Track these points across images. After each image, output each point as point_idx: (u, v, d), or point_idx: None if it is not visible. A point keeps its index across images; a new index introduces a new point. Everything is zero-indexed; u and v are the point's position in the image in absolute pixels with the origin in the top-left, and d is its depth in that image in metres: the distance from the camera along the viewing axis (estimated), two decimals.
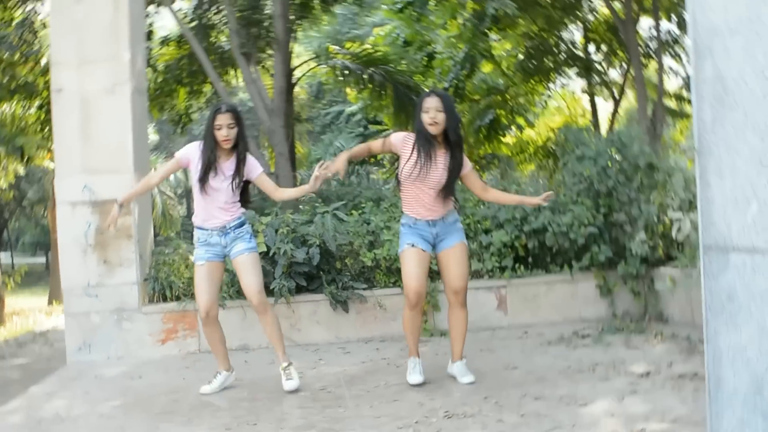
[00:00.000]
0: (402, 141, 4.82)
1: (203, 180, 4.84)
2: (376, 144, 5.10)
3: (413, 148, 4.74)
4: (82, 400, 5.12)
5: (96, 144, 6.69)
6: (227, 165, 4.89)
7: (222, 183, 4.87)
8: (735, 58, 2.49)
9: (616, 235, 6.72)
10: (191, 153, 4.97)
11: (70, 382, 5.75)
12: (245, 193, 5.09)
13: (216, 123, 4.82)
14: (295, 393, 4.83)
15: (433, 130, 4.67)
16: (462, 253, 4.88)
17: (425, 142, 4.70)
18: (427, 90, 14.53)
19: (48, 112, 13.06)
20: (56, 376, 6.08)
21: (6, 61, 11.63)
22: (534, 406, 4.15)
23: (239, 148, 4.91)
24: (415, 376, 4.88)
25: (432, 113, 4.65)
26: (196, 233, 5.00)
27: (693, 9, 2.69)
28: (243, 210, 5.06)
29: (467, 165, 4.86)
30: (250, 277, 4.93)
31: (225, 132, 4.81)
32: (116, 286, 6.60)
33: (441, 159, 4.74)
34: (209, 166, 4.84)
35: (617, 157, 6.70)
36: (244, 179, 4.96)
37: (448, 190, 4.77)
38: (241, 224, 4.99)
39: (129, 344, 6.58)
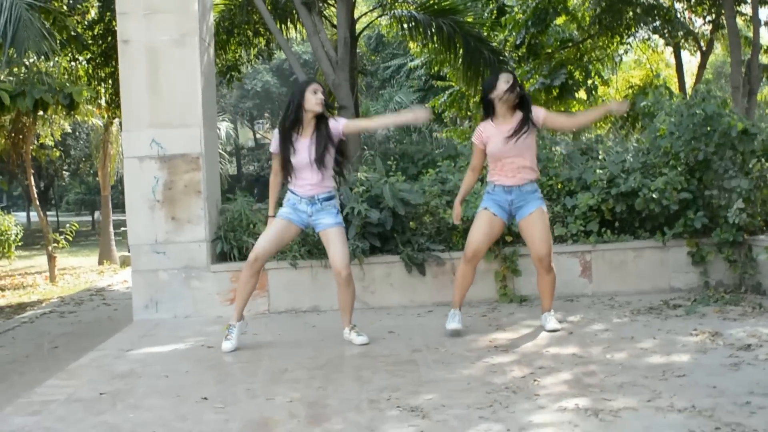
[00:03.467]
0: (483, 134, 5.48)
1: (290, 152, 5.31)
2: (476, 163, 5.61)
3: (492, 128, 5.44)
4: (154, 357, 5.37)
5: (164, 97, 6.88)
6: (312, 136, 5.32)
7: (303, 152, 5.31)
8: None
9: (710, 201, 6.69)
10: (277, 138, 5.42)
11: (139, 339, 6.01)
12: (341, 161, 5.50)
13: (311, 87, 5.29)
14: (373, 359, 4.97)
15: (511, 102, 5.38)
16: (541, 219, 5.42)
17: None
18: (497, 44, 14.55)
19: (96, 67, 13.39)
20: (124, 333, 6.35)
21: (56, 10, 11.87)
22: (628, 375, 4.22)
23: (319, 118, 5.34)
24: (453, 324, 5.50)
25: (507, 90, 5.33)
26: (288, 195, 5.42)
27: None
28: (334, 185, 5.47)
29: (540, 113, 5.43)
30: (340, 249, 5.32)
31: (321, 96, 5.26)
32: (185, 243, 6.83)
33: (516, 123, 5.40)
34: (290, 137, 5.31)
35: (704, 130, 6.62)
36: (335, 141, 5.34)
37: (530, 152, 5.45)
38: (330, 198, 5.38)
39: (197, 303, 6.82)
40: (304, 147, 5.28)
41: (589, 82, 16.34)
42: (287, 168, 5.35)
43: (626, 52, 18.09)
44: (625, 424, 3.44)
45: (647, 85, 17.49)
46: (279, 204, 5.54)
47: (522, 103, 5.42)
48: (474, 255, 5.47)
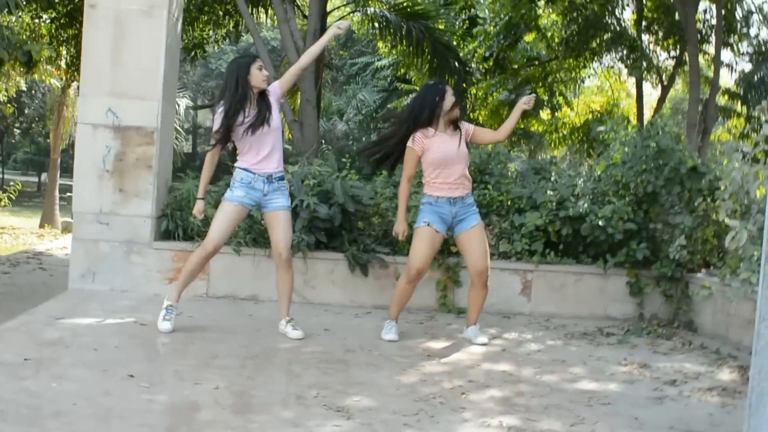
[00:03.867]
0: (424, 141, 5.41)
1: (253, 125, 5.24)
2: (412, 173, 5.56)
3: (434, 137, 5.42)
4: (85, 328, 5.30)
5: (126, 67, 6.79)
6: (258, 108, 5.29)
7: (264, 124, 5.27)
8: None
9: (653, 234, 6.80)
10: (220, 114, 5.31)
11: (72, 308, 5.92)
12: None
13: (256, 65, 5.25)
14: (305, 354, 4.97)
15: (455, 116, 5.50)
16: (482, 233, 5.51)
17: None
18: (464, 55, 14.63)
19: (60, 27, 13.14)
20: (57, 300, 6.27)
21: None
22: (555, 398, 4.28)
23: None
24: (391, 335, 5.51)
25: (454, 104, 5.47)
26: (240, 174, 5.32)
27: None
28: (283, 165, 5.49)
29: (469, 128, 5.57)
30: (285, 233, 5.38)
31: (266, 72, 5.29)
32: (129, 216, 6.75)
33: (455, 136, 5.47)
34: (244, 110, 5.24)
35: (655, 163, 6.73)
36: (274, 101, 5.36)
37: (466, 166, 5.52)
38: (283, 178, 5.42)
39: (135, 278, 6.74)
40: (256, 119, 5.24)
41: (554, 100, 16.55)
42: (237, 146, 5.35)
43: (589, 76, 18.35)
44: None
45: (606, 113, 17.78)
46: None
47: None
48: (418, 275, 5.45)
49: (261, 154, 5.29)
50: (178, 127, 24.79)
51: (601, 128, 7.39)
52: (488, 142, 6.14)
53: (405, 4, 13.33)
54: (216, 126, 5.32)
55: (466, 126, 5.53)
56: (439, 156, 5.36)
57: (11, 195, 15.62)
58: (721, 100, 16.20)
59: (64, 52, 13.77)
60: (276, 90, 5.41)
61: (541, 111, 17.08)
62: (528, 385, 4.52)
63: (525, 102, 5.63)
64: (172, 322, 5.33)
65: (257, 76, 5.22)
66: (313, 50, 5.62)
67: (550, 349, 5.53)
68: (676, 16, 13.48)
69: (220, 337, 5.31)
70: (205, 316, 5.93)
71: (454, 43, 15.10)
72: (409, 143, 5.42)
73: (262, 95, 5.30)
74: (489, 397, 4.22)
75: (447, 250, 6.60)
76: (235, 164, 5.39)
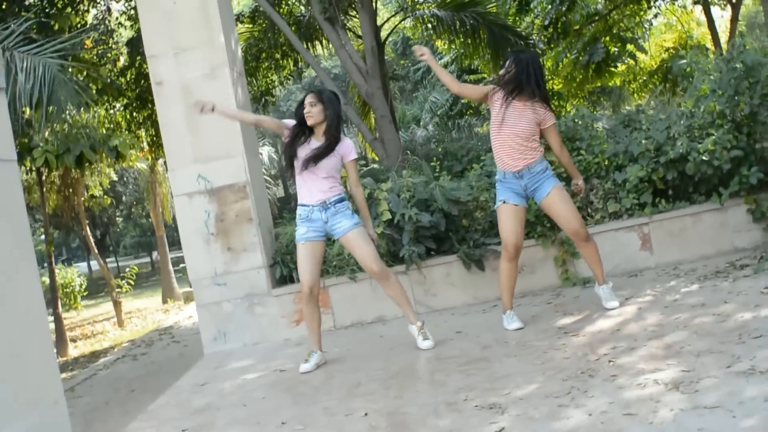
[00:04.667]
0: (494, 92, 5.43)
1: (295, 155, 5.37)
2: (471, 89, 5.68)
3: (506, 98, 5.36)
4: (229, 387, 5.44)
5: (204, 132, 6.99)
6: (317, 142, 5.36)
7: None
8: None
9: (762, 155, 6.54)
10: (290, 125, 5.43)
11: (212, 372, 6.10)
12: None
13: (306, 102, 5.36)
14: (444, 361, 4.97)
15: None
16: (561, 195, 5.42)
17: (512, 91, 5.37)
18: (523, 29, 14.45)
19: (135, 109, 13.63)
20: (197, 368, 6.45)
21: (87, 62, 12.14)
22: (705, 342, 4.15)
23: (328, 128, 5.35)
24: (515, 323, 5.45)
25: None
26: (298, 210, 5.45)
27: None
28: (342, 188, 5.49)
29: (548, 118, 5.43)
30: (364, 249, 5.37)
31: (307, 109, 5.33)
32: (243, 272, 6.91)
33: (524, 109, 5.36)
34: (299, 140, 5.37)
35: (746, 83, 6.47)
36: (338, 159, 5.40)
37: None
38: (341, 200, 5.40)
39: (263, 329, 6.90)
40: (305, 150, 5.34)
41: (628, 47, 16.14)
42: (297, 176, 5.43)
43: (656, 16, 17.81)
44: (708, 393, 3.39)
45: (681, 47, 17.24)
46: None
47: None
48: (515, 250, 5.44)
49: (312, 187, 5.35)
50: (266, 176, 25.33)
51: (682, 62, 7.16)
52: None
53: None
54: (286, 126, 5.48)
55: (544, 115, 5.40)
56: (500, 119, 5.35)
57: (130, 280, 16.24)
58: None
59: (144, 134, 14.25)
60: (346, 154, 5.42)
61: (615, 67, 16.64)
62: (674, 337, 4.40)
63: (575, 186, 5.68)
64: (312, 363, 5.44)
65: (301, 114, 5.36)
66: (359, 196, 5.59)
67: (686, 296, 5.37)
68: None
69: (358, 364, 5.37)
70: (337, 348, 6.01)
71: (510, 21, 14.94)
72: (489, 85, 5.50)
73: (332, 136, 5.34)
74: (638, 358, 4.13)
75: (556, 225, 6.51)
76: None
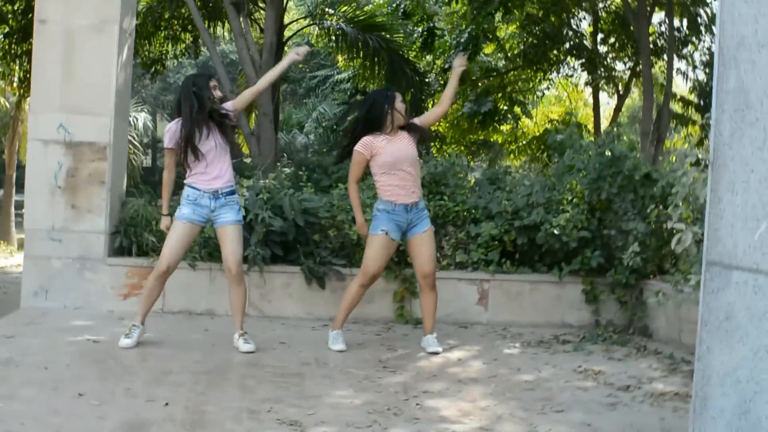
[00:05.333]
0: (371, 144, 5.47)
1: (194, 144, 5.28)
2: (359, 175, 5.66)
3: (383, 140, 5.48)
4: (36, 346, 5.22)
5: (77, 82, 6.74)
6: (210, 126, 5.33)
7: (210, 142, 5.31)
8: (761, 72, 2.58)
9: (608, 241, 6.88)
10: (175, 131, 5.35)
11: (23, 327, 5.86)
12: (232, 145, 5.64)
13: (212, 84, 5.35)
14: (260, 369, 4.94)
15: (405, 121, 5.57)
16: (431, 238, 5.60)
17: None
18: (423, 66, 14.69)
19: (13, 42, 13.01)
20: (8, 319, 6.20)
21: None
22: (509, 406, 4.30)
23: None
24: (339, 345, 5.54)
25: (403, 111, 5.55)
26: (186, 192, 5.35)
27: (722, 17, 2.78)
28: (234, 179, 5.51)
29: (415, 120, 5.72)
30: (235, 247, 5.35)
31: (220, 92, 5.42)
32: (82, 233, 6.68)
33: (405, 137, 5.56)
34: (199, 128, 5.27)
35: (610, 171, 6.81)
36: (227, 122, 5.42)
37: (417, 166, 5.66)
38: (233, 192, 5.40)
39: (89, 295, 6.67)
40: (210, 136, 5.29)
41: (515, 109, 16.65)
42: (188, 161, 5.31)
43: (548, 87, 18.49)
44: None
45: (564, 122, 17.96)
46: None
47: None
48: (372, 279, 5.58)
49: (209, 172, 5.30)
50: (136, 143, 24.63)
51: (558, 136, 7.46)
52: (436, 118, 6.20)
53: (363, 17, 13.38)
54: (168, 143, 5.32)
55: (413, 121, 5.66)
56: (388, 159, 5.43)
57: None
58: (677, 108, 16.43)
59: (17, 68, 13.61)
60: (229, 109, 5.43)
61: (503, 124, 17.16)
62: (483, 394, 4.54)
63: (459, 64, 5.75)
64: (134, 339, 5.32)
65: (214, 94, 5.31)
66: (271, 75, 5.66)
67: (506, 358, 5.56)
68: (632, 28, 13.66)
69: (174, 352, 5.27)
70: (159, 332, 5.87)
71: (413, 55, 15.17)
72: (357, 147, 5.48)
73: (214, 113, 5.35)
74: (443, 407, 4.22)
75: (404, 261, 6.63)
76: (184, 181, 5.40)
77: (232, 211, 5.34)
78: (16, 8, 12.81)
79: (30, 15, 12.12)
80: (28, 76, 12.92)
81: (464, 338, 6.22)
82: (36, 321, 6.08)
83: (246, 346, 5.33)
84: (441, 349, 5.58)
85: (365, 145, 5.46)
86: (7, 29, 13.08)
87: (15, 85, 14.55)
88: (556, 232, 6.70)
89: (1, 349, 5.08)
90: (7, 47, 13.22)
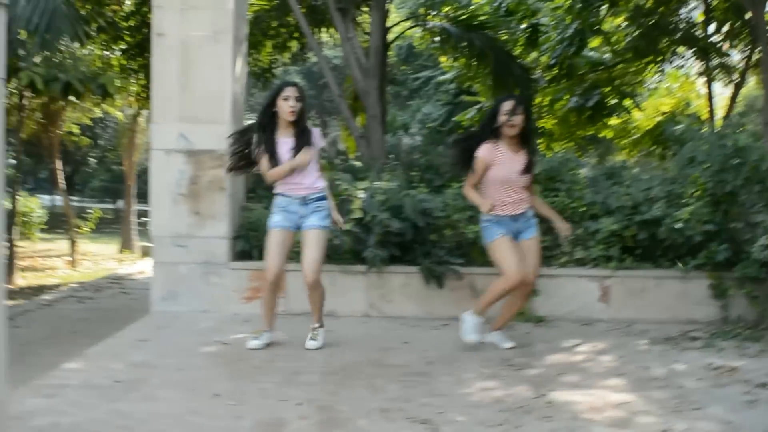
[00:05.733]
0: (491, 152, 5.39)
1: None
2: (474, 177, 5.51)
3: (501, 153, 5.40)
4: (170, 349, 5.39)
5: (194, 92, 6.93)
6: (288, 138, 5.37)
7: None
8: None
9: (734, 234, 6.62)
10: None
11: (155, 330, 6.05)
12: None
13: (284, 94, 5.32)
14: (387, 368, 4.96)
15: (512, 132, 5.38)
16: (537, 246, 5.54)
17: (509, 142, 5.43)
18: (529, 63, 14.51)
19: (131, 57, 13.48)
20: (141, 323, 6.40)
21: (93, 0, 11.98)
22: (642, 403, 4.19)
23: (304, 121, 5.43)
24: (474, 336, 5.46)
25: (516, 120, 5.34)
26: (275, 198, 5.44)
27: None
28: (324, 185, 5.51)
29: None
30: (315, 253, 5.35)
31: (292, 103, 5.30)
32: (206, 238, 6.86)
33: (520, 157, 5.44)
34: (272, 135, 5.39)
35: (734, 162, 6.54)
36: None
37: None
38: (321, 198, 5.43)
39: (215, 298, 6.85)
40: (286, 148, 5.33)
41: (625, 102, 16.26)
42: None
43: (660, 81, 17.92)
44: None
45: (677, 113, 17.41)
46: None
47: (525, 135, 5.47)
48: (522, 278, 5.34)
49: (293, 179, 5.35)
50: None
51: (677, 127, 7.22)
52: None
53: (465, 16, 13.30)
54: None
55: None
56: (500, 175, 5.36)
57: (91, 223, 16.03)
58: None
59: (134, 82, 14.10)
60: (317, 140, 5.42)
61: (609, 117, 16.76)
62: (614, 391, 4.43)
63: (564, 229, 5.74)
64: (261, 341, 5.45)
65: (281, 106, 5.29)
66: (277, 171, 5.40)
67: (633, 355, 5.41)
68: (746, 15, 13.12)
69: (301, 353, 5.35)
70: (284, 334, 5.94)
71: (517, 52, 14.99)
72: (478, 153, 5.40)
73: (299, 126, 5.36)
74: (575, 403, 4.15)
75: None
76: (274, 190, 5.46)
77: (316, 216, 5.36)
78: (131, 25, 13.28)
79: (145, 30, 12.57)
80: (144, 90, 13.40)
81: (588, 335, 6.09)
82: (167, 324, 6.28)
83: (310, 342, 5.50)
84: (510, 345, 5.59)
85: (487, 151, 5.38)
86: (123, 45, 13.57)
87: (132, 99, 15.07)
88: (679, 226, 6.48)
89: (137, 352, 5.27)
90: (124, 62, 13.71)
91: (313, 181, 5.38)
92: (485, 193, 5.44)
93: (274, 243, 5.36)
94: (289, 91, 5.30)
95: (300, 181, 5.34)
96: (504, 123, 5.33)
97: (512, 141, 5.41)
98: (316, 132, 5.46)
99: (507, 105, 5.37)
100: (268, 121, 5.36)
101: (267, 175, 5.37)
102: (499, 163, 5.36)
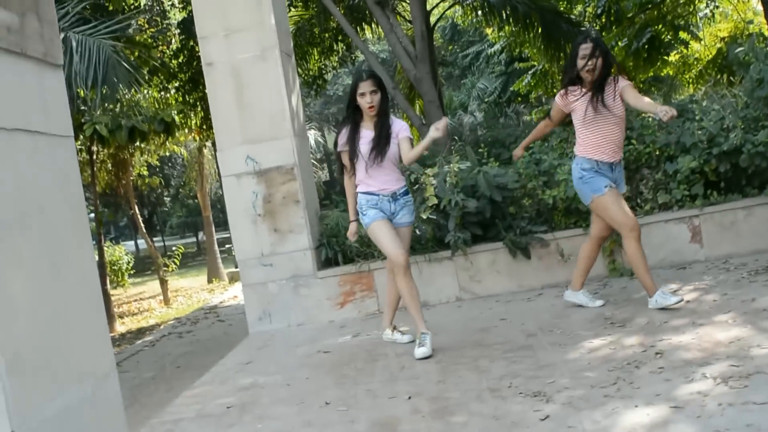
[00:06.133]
0: (568, 96, 5.28)
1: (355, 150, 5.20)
2: (552, 116, 5.54)
3: (582, 93, 5.24)
4: (274, 367, 5.48)
5: (253, 112, 7.03)
6: (370, 132, 5.21)
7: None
8: None
9: None
10: (342, 134, 5.30)
11: (257, 351, 6.16)
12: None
13: (359, 91, 5.13)
14: (488, 347, 4.95)
15: (589, 77, 5.20)
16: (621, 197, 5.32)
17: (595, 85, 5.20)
18: (576, 16, 14.26)
19: (186, 92, 13.77)
20: (242, 347, 6.52)
21: (140, 44, 12.28)
22: (757, 338, 4.08)
23: (385, 114, 5.22)
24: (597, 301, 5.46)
25: (591, 61, 5.15)
26: (364, 198, 5.21)
27: None
28: (404, 178, 5.38)
29: (623, 81, 5.23)
30: (407, 246, 5.29)
31: (369, 99, 5.12)
32: (289, 253, 6.96)
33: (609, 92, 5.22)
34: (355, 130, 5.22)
35: None
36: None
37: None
38: (407, 192, 5.32)
39: (308, 310, 6.94)
40: (365, 141, 5.17)
41: (681, 34, 15.85)
42: (355, 168, 5.24)
43: (712, 7, 17.40)
44: (758, 389, 3.33)
45: (738, 36, 16.89)
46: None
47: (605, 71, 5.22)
48: (638, 229, 5.21)
49: (380, 177, 5.18)
50: (312, 159, 25.45)
51: (739, 49, 7.01)
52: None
53: None
54: (339, 146, 5.30)
55: (620, 82, 5.21)
56: (588, 114, 5.19)
57: (176, 259, 16.44)
58: None
59: (193, 115, 14.40)
60: (401, 130, 5.19)
61: (667, 55, 16.36)
62: (723, 330, 4.34)
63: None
64: (427, 347, 4.98)
65: (360, 103, 5.13)
66: (414, 154, 5.14)
67: (736, 291, 5.28)
68: None
69: (400, 348, 5.38)
70: (377, 331, 6.01)
71: (562, 8, 14.76)
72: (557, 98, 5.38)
73: (381, 118, 5.17)
74: (685, 351, 4.07)
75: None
76: (357, 190, 5.28)
77: (408, 213, 5.28)
78: (181, 61, 13.56)
79: (195, 63, 12.83)
80: (205, 120, 13.68)
81: (686, 279, 5.97)
82: (267, 344, 6.39)
83: (419, 350, 4.98)
84: (676, 300, 5.07)
85: (562, 94, 5.34)
86: (177, 83, 13.88)
87: (195, 131, 15.40)
88: (760, 150, 6.29)
89: (243, 375, 5.38)
90: (181, 99, 14.02)
91: (399, 175, 5.27)
92: (579, 137, 5.31)
93: (385, 231, 5.11)
94: (364, 87, 5.11)
95: (388, 177, 5.18)
96: (582, 68, 5.18)
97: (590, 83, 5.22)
98: (399, 123, 5.24)
99: (583, 49, 5.21)
100: (351, 115, 5.23)
101: (405, 159, 5.15)
102: (579, 106, 5.22)
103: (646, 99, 5.16)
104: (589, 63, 5.14)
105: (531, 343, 4.89)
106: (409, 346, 5.33)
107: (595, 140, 5.22)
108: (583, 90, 5.24)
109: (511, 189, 6.78)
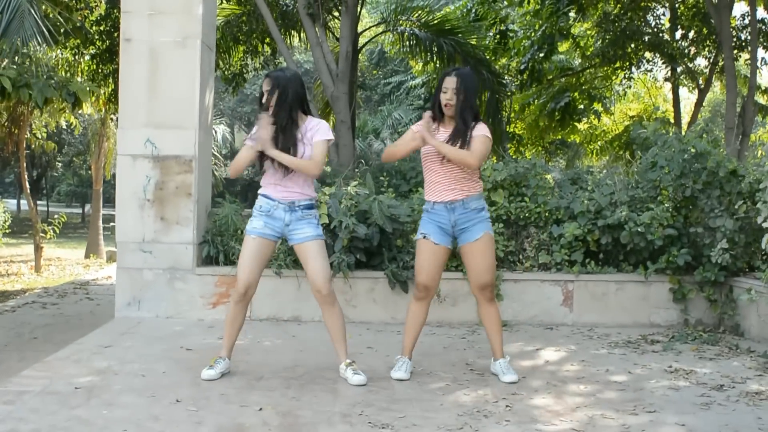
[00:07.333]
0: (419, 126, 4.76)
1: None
2: (405, 137, 4.92)
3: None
4: (133, 355, 5.39)
5: (162, 97, 6.94)
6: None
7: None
8: None
9: (694, 239, 6.76)
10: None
11: (119, 336, 6.04)
12: None
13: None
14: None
15: (448, 111, 4.72)
16: (486, 245, 4.79)
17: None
18: (498, 68, 14.64)
19: (102, 62, 13.45)
20: (105, 329, 6.39)
21: (62, 4, 11.94)
22: (600, 407, 4.28)
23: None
24: (400, 372, 4.88)
25: (449, 94, 4.67)
26: (259, 200, 4.83)
27: None
28: (315, 194, 4.90)
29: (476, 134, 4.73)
30: (320, 263, 4.74)
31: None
32: (171, 244, 6.88)
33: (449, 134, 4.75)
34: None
35: (694, 167, 6.69)
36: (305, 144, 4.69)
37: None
38: (311, 207, 4.81)
39: (180, 304, 6.86)
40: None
41: (595, 105, 16.46)
42: (262, 164, 4.75)
43: (629, 86, 18.12)
44: None
45: (645, 118, 17.67)
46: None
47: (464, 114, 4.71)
48: (427, 292, 4.92)
49: (279, 183, 4.74)
50: (216, 154, 25.14)
51: (642, 131, 7.38)
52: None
53: (436, 22, 13.41)
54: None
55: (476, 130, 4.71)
56: (426, 149, 4.75)
57: (56, 227, 15.93)
58: (762, 100, 15.99)
59: (103, 87, 14.06)
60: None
61: (579, 121, 16.98)
62: (572, 395, 4.52)
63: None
64: (216, 371, 4.76)
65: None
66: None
67: (593, 359, 5.52)
68: (712, 21, 13.37)
69: (264, 359, 5.38)
70: (248, 339, 6.00)
71: (487, 57, 15.14)
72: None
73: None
74: (534, 408, 4.23)
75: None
76: (258, 191, 4.87)
77: (309, 226, 4.74)
78: (102, 29, 13.24)
79: (116, 35, 12.55)
80: (114, 95, 13.37)
81: (550, 340, 6.20)
82: (131, 330, 6.28)
83: (356, 377, 4.70)
84: (517, 378, 4.81)
85: (416, 125, 4.82)
86: (94, 50, 13.53)
87: (101, 102, 15.02)
88: (640, 230, 6.61)
89: (99, 358, 5.27)
90: (94, 67, 13.67)
91: (304, 185, 4.76)
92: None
93: (249, 251, 4.74)
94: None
95: (291, 182, 4.71)
96: (439, 101, 4.75)
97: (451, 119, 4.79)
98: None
99: (445, 81, 4.73)
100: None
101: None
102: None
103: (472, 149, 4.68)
104: (444, 96, 4.70)
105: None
106: (273, 358, 5.34)
107: (431, 177, 4.85)
108: (437, 124, 4.80)
109: (403, 222, 6.89)
